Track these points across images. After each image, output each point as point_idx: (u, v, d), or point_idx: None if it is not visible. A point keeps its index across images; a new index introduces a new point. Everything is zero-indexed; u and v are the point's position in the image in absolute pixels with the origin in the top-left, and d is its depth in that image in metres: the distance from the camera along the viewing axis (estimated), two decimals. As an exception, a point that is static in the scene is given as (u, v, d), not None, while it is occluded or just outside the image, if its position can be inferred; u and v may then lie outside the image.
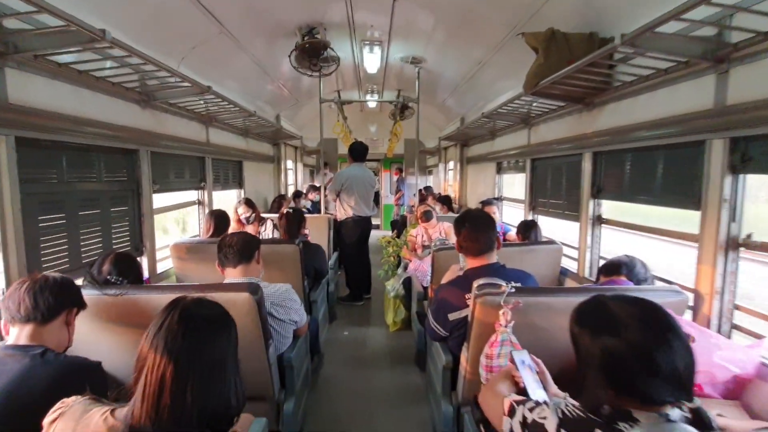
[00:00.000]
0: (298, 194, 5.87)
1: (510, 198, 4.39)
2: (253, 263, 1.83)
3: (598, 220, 2.48)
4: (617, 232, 2.57)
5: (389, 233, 8.03)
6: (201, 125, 3.30)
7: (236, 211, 3.49)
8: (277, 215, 3.20)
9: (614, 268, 1.90)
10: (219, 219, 2.75)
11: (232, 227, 3.50)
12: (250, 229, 3.54)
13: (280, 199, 4.92)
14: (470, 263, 1.81)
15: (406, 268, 3.76)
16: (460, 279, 1.80)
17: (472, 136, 5.19)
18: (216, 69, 3.16)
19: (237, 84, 3.67)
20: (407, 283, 3.55)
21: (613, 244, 2.70)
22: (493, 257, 1.80)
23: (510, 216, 4.42)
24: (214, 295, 1.61)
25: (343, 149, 5.04)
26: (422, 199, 5.81)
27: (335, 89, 5.38)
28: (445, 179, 7.77)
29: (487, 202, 3.92)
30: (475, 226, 1.78)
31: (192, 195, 3.33)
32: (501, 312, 1.49)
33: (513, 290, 1.51)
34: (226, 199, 4.19)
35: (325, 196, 4.49)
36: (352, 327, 3.75)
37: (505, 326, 1.51)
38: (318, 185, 6.59)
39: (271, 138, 5.41)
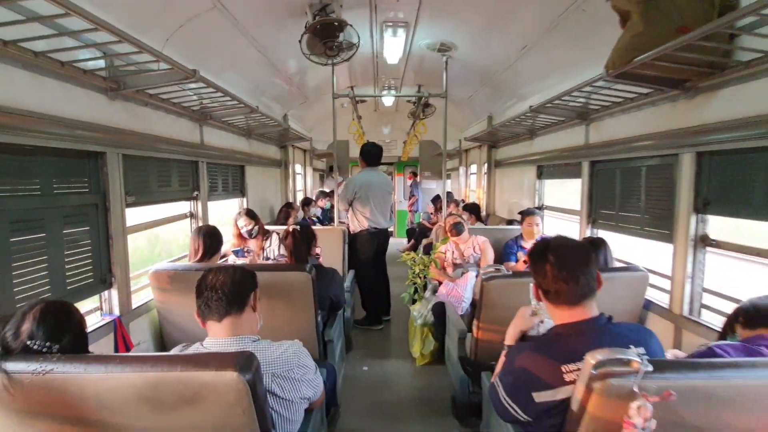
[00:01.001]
0: (307, 202, 5.35)
1: (555, 207, 3.77)
2: (247, 312, 1.28)
3: (703, 242, 1.88)
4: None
5: (404, 240, 7.49)
6: (193, 123, 2.77)
7: (236, 224, 2.98)
8: (284, 228, 2.67)
9: (764, 317, 1.32)
10: (209, 237, 2.20)
11: (233, 243, 3.01)
12: (252, 244, 3.03)
13: (288, 209, 4.39)
14: (559, 316, 1.23)
15: (435, 290, 3.20)
16: (549, 341, 1.22)
17: (504, 137, 4.59)
18: (211, 56, 2.64)
19: (238, 77, 3.15)
20: (437, 308, 2.98)
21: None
22: (594, 307, 1.22)
23: (554, 230, 3.79)
24: (184, 375, 1.10)
25: (355, 152, 4.48)
26: (439, 209, 5.22)
27: (348, 85, 4.84)
28: (467, 184, 7.18)
29: (528, 212, 3.32)
30: (566, 262, 1.20)
31: (183, 207, 2.80)
32: (635, 406, 0.94)
33: (650, 368, 0.95)
34: (226, 211, 3.66)
35: (338, 202, 3.95)
36: (371, 360, 3.19)
37: (642, 428, 0.95)
38: (329, 191, 6.07)
39: (277, 140, 4.88)
